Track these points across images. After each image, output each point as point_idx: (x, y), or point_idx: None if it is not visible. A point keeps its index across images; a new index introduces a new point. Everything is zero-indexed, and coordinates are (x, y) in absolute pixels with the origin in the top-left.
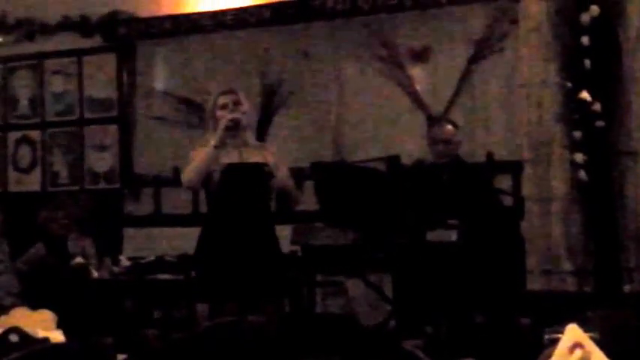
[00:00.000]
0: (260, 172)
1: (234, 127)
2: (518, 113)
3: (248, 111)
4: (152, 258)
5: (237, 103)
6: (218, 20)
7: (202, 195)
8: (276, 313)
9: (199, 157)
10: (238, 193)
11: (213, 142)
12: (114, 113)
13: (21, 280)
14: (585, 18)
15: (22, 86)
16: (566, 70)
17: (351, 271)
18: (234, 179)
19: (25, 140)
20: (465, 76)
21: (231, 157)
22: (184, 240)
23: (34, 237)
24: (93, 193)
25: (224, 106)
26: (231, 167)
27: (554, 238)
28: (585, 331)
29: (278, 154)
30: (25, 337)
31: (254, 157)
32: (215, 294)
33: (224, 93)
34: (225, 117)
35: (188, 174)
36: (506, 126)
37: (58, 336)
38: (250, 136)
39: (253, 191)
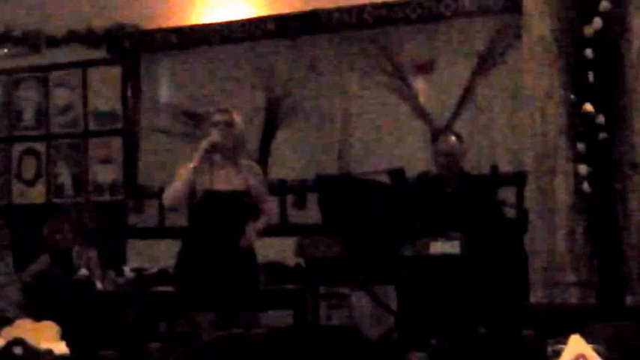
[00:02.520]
0: (237, 201)
1: (214, 149)
2: (522, 126)
3: (240, 132)
4: (156, 270)
5: (229, 124)
6: (223, 33)
7: None
8: (252, 323)
9: (179, 179)
10: (215, 218)
11: (192, 164)
12: (118, 125)
13: (25, 292)
14: (589, 31)
15: (27, 98)
16: (570, 82)
17: (354, 283)
18: (212, 205)
19: (30, 152)
20: (469, 89)
21: (214, 180)
22: None
23: (39, 249)
24: (97, 205)
25: (215, 125)
26: (209, 194)
27: (557, 250)
28: (588, 342)
29: (261, 175)
30: (29, 349)
31: (237, 182)
32: (192, 306)
33: (219, 111)
34: (207, 139)
35: (167, 196)
36: (510, 138)
37: (61, 348)
38: (241, 156)
39: (230, 218)
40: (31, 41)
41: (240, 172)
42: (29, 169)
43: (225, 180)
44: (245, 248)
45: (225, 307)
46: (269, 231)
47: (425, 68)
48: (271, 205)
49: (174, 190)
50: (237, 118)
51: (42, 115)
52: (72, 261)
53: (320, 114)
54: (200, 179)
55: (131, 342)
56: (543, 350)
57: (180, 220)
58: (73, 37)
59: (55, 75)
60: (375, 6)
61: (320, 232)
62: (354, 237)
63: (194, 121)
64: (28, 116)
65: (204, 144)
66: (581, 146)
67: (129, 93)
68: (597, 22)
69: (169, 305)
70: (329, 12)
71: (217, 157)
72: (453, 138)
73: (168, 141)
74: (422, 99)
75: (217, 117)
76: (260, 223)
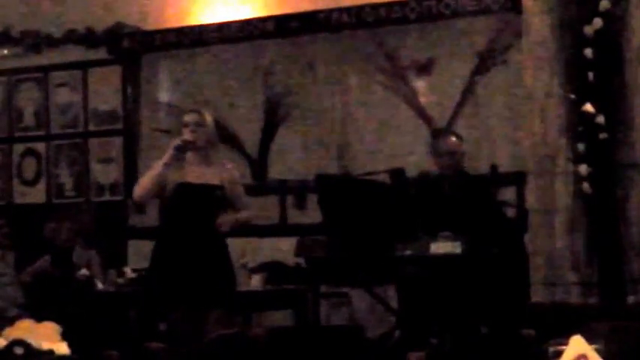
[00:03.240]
0: (210, 193)
1: (185, 147)
2: (522, 125)
3: (211, 131)
4: None
5: (199, 124)
6: (223, 33)
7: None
8: (222, 320)
9: (148, 174)
10: (187, 211)
11: (162, 160)
12: (119, 125)
13: (26, 292)
14: (589, 30)
15: (28, 98)
16: (570, 82)
17: (355, 283)
18: (184, 198)
19: (31, 152)
20: (469, 89)
21: (187, 175)
22: None
23: (39, 249)
24: (98, 205)
25: (186, 125)
26: (181, 186)
27: (558, 250)
28: (590, 342)
29: (236, 174)
30: (30, 349)
31: (208, 177)
32: (163, 304)
33: (190, 111)
34: (178, 137)
35: (137, 190)
36: (510, 138)
37: (62, 348)
38: (212, 155)
39: (202, 211)
40: (31, 41)
41: (213, 169)
42: (30, 169)
43: (198, 175)
44: (220, 234)
45: (198, 305)
46: (269, 231)
47: (424, 68)
48: (248, 202)
49: (143, 183)
50: (209, 118)
51: (42, 116)
52: (72, 261)
53: (319, 114)
54: (172, 175)
55: (132, 342)
56: (544, 350)
57: None
58: (73, 38)
59: (55, 75)
60: (374, 6)
61: (320, 232)
62: (355, 237)
63: None
64: (29, 117)
65: (174, 141)
66: (581, 146)
67: (129, 93)
68: (597, 22)
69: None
70: (328, 12)
71: (190, 156)
72: (453, 138)
73: (169, 141)
74: (422, 99)
75: (188, 117)
76: (242, 216)
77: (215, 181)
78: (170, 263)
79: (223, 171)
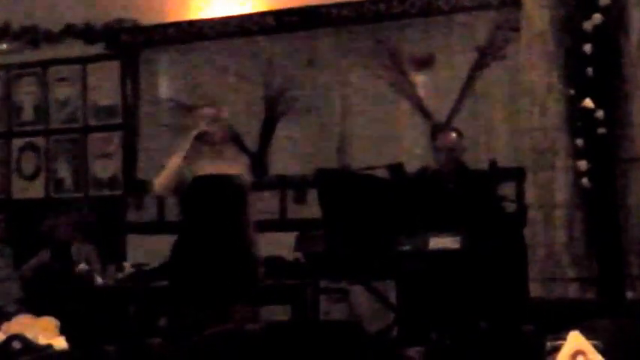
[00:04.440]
0: (231, 183)
1: (204, 138)
2: (522, 120)
3: (227, 126)
4: (155, 265)
5: (216, 118)
6: (222, 28)
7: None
8: (246, 316)
9: (169, 167)
10: (210, 203)
11: (182, 152)
12: (118, 120)
13: (25, 287)
14: (588, 26)
15: (27, 93)
16: (569, 77)
17: (354, 278)
18: (205, 190)
19: (30, 147)
20: (469, 84)
21: (205, 168)
22: None
23: (38, 244)
24: (97, 200)
25: (203, 118)
26: (201, 179)
27: (557, 245)
28: (588, 338)
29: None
30: (29, 344)
31: (228, 169)
32: (188, 300)
33: (207, 106)
34: (196, 128)
35: (159, 182)
36: (510, 133)
37: (61, 343)
38: (228, 150)
39: (224, 202)
40: (30, 37)
41: (229, 161)
42: (29, 164)
43: (216, 167)
44: (242, 226)
45: (223, 301)
46: (269, 226)
47: (424, 63)
48: None
49: (165, 176)
50: (225, 112)
51: (41, 111)
52: (71, 256)
53: (319, 108)
54: (189, 168)
55: (131, 337)
56: (542, 346)
57: (179, 215)
58: (72, 33)
59: (54, 70)
60: (374, 0)
61: (320, 227)
62: (354, 232)
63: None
64: (28, 111)
65: (194, 131)
66: (580, 141)
67: (128, 88)
68: (597, 17)
69: (170, 300)
70: (328, 7)
71: (206, 149)
72: (453, 133)
73: (168, 135)
74: (421, 94)
75: (205, 111)
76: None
77: (232, 172)
78: (195, 257)
79: (238, 163)
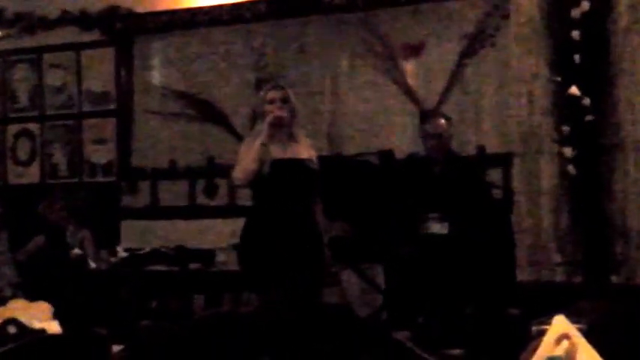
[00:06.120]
0: (305, 167)
1: (278, 124)
2: (509, 107)
3: (295, 107)
4: (148, 250)
5: (284, 99)
6: (214, 15)
7: (201, 186)
8: (317, 302)
9: (249, 157)
10: (285, 187)
11: (260, 140)
12: (112, 107)
13: (20, 272)
14: (576, 13)
15: (22, 80)
16: (557, 64)
17: (344, 262)
18: (281, 174)
19: (25, 133)
20: (458, 71)
21: (277, 152)
22: (180, 232)
23: (33, 229)
24: (91, 186)
25: (272, 101)
26: (278, 163)
27: (543, 230)
28: (573, 321)
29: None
30: (23, 328)
31: (300, 152)
32: (261, 284)
33: (273, 88)
34: (270, 113)
35: (238, 173)
36: (498, 119)
37: (54, 327)
38: (297, 132)
39: (299, 186)
40: (26, 23)
41: (301, 144)
42: (24, 149)
43: (290, 151)
44: (313, 210)
45: (295, 284)
46: None
47: (414, 50)
48: None
49: (246, 166)
50: (291, 94)
51: (36, 97)
52: (66, 241)
53: (310, 95)
54: (266, 153)
55: (124, 320)
56: (528, 330)
57: (173, 200)
58: (66, 20)
59: (49, 56)
60: None
61: None
62: (344, 217)
63: (187, 102)
64: (23, 98)
65: (269, 119)
66: (566, 128)
67: (122, 74)
68: (584, 4)
69: (162, 284)
70: None
71: (277, 132)
72: (442, 119)
73: (162, 122)
74: (411, 80)
75: (273, 94)
76: None
77: (305, 155)
78: (267, 241)
79: (308, 145)
